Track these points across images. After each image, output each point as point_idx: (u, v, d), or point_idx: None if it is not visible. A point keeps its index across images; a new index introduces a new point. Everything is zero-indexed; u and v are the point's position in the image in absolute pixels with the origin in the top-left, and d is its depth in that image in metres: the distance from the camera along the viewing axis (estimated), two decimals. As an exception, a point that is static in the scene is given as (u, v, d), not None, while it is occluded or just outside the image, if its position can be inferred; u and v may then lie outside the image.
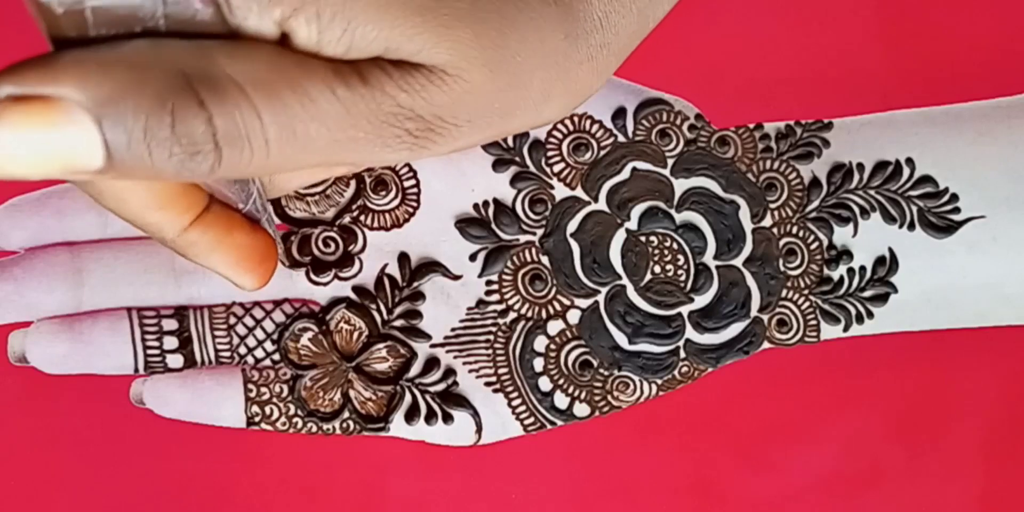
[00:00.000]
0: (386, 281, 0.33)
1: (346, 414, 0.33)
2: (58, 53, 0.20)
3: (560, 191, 0.34)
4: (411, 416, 0.33)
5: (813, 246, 0.34)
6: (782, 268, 0.34)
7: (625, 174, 0.34)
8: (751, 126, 0.34)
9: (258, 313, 0.33)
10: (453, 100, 0.23)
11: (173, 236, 0.26)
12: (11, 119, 0.19)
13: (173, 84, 0.20)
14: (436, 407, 0.33)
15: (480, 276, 0.33)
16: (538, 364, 0.33)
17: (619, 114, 0.33)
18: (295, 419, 0.33)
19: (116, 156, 0.20)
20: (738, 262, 0.34)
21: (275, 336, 0.33)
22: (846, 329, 0.34)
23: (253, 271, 0.28)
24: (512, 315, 0.33)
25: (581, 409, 0.34)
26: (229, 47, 0.21)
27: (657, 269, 0.34)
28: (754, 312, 0.34)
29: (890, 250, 0.34)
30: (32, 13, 0.20)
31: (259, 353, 0.33)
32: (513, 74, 0.24)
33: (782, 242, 0.34)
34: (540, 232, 0.34)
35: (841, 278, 0.34)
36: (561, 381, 0.33)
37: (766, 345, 0.34)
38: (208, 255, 0.27)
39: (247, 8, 0.21)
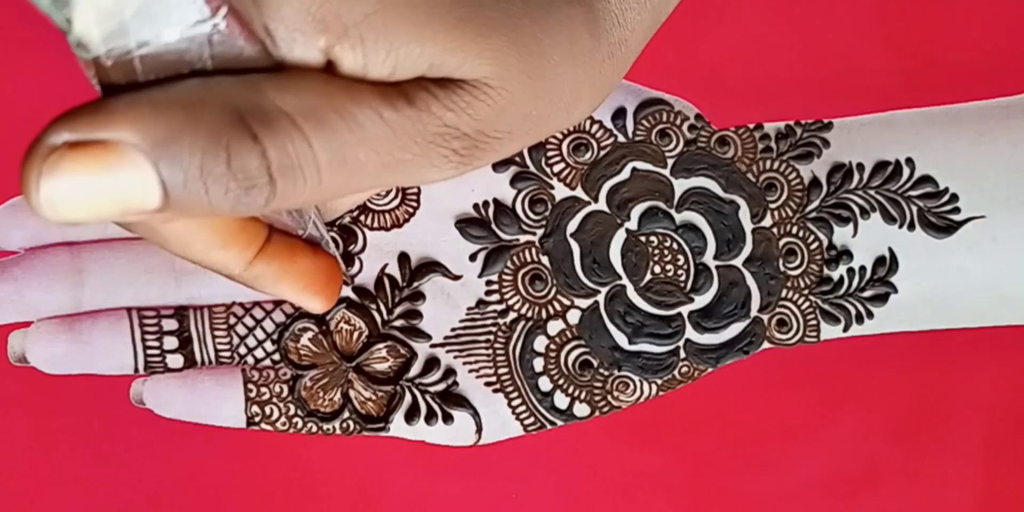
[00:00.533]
0: (386, 281, 0.33)
1: (346, 414, 0.33)
2: (110, 98, 0.20)
3: (560, 191, 0.34)
4: (411, 416, 0.33)
5: (813, 246, 0.34)
6: (782, 268, 0.34)
7: (625, 174, 0.34)
8: (751, 126, 0.34)
9: (258, 313, 0.33)
10: (496, 113, 0.23)
11: (240, 271, 0.26)
12: (69, 165, 0.19)
13: (226, 120, 0.20)
14: (436, 407, 0.33)
15: (480, 276, 0.33)
16: (538, 364, 0.33)
17: (619, 114, 0.34)
18: (295, 419, 0.33)
19: (173, 195, 0.20)
20: (738, 262, 0.34)
21: (275, 336, 0.33)
22: (846, 329, 0.34)
23: (320, 294, 0.28)
24: (512, 315, 0.33)
25: (581, 409, 0.34)
26: (277, 79, 0.21)
27: (657, 269, 0.34)
28: (754, 312, 0.34)
29: (890, 250, 0.34)
30: (81, 64, 0.20)
31: (259, 353, 0.33)
32: (548, 79, 0.24)
33: (782, 242, 0.34)
34: (540, 232, 0.34)
35: (841, 278, 0.34)
36: (561, 381, 0.33)
37: (766, 345, 0.34)
38: (275, 284, 0.27)
39: (291, 40, 0.21)
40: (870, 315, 0.34)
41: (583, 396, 0.34)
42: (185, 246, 0.25)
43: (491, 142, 0.24)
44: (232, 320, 0.33)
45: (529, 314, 0.34)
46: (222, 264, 0.26)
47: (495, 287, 0.33)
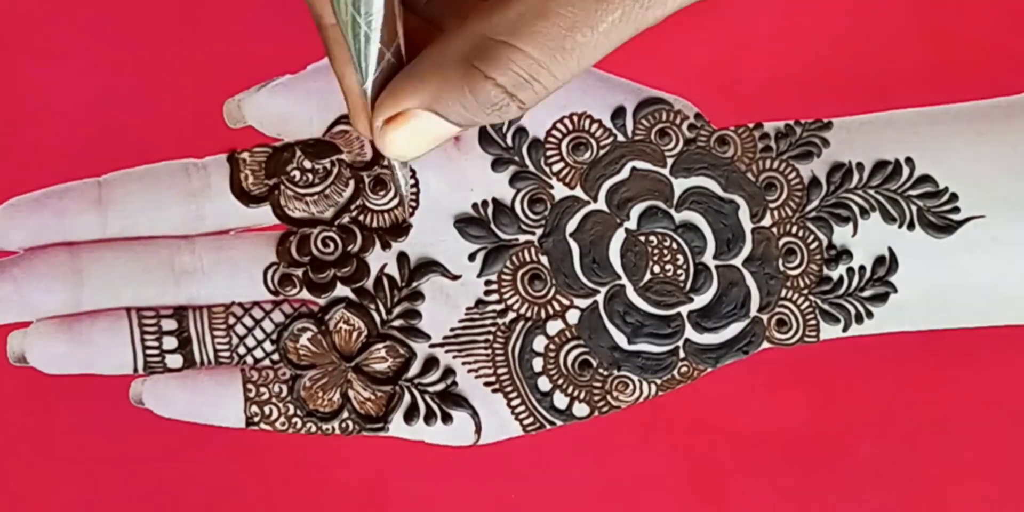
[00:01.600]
0: (385, 281, 0.33)
1: (345, 414, 0.33)
2: (393, 81, 0.27)
3: (559, 191, 0.34)
4: (410, 416, 0.33)
5: (812, 246, 0.34)
6: (781, 268, 0.34)
7: (624, 174, 0.34)
8: (751, 125, 0.34)
9: (257, 313, 0.33)
10: None
11: None
12: (392, 131, 0.27)
13: (460, 73, 0.26)
14: (435, 407, 0.33)
15: (479, 276, 0.33)
16: (537, 364, 0.33)
17: (618, 113, 0.33)
18: (294, 419, 0.33)
19: (457, 123, 0.27)
20: (737, 262, 0.34)
21: (274, 336, 0.33)
22: (846, 329, 0.34)
23: None
24: (511, 315, 0.33)
25: (580, 409, 0.34)
26: (485, 11, 0.26)
27: (656, 269, 0.34)
28: (753, 312, 0.34)
29: (889, 250, 0.34)
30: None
31: (258, 353, 0.33)
32: None
33: (782, 242, 0.34)
34: (539, 232, 0.34)
35: (840, 278, 0.34)
36: (560, 381, 0.33)
37: (765, 345, 0.34)
38: None
39: None
40: (870, 315, 0.34)
41: (582, 396, 0.34)
42: None
43: None
44: (231, 320, 0.33)
45: (528, 314, 0.33)
46: None
47: (494, 287, 0.33)
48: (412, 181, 0.33)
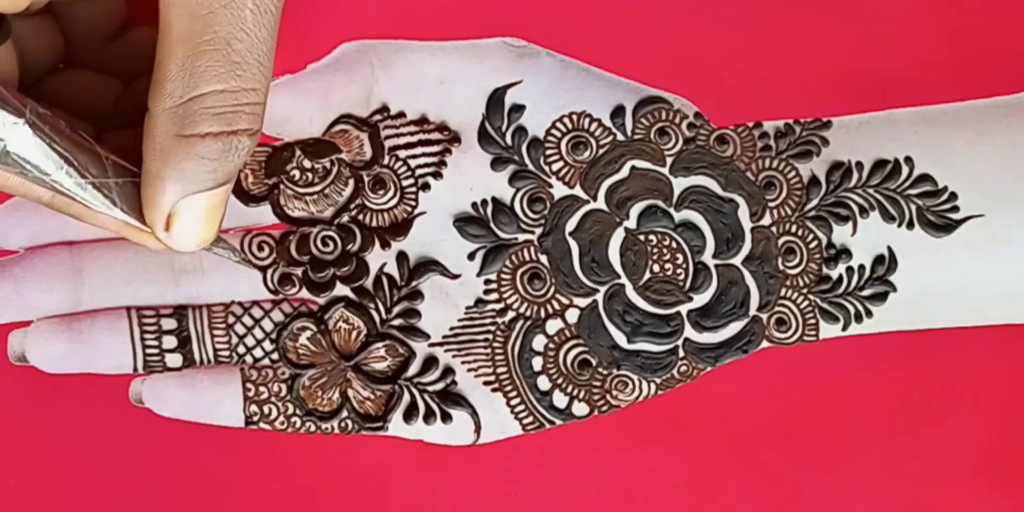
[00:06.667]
0: (384, 280, 0.33)
1: (344, 413, 0.33)
2: (144, 194, 0.27)
3: (559, 190, 0.34)
4: (409, 415, 0.33)
5: (812, 245, 0.34)
6: (781, 267, 0.34)
7: (624, 173, 0.34)
8: (750, 124, 0.34)
9: (257, 312, 0.33)
10: None
11: None
12: (180, 232, 0.27)
13: (183, 148, 0.26)
14: (435, 406, 0.33)
15: (479, 275, 0.33)
16: (537, 363, 0.33)
17: (618, 112, 0.34)
18: (293, 418, 0.33)
19: (220, 185, 0.27)
20: (737, 261, 0.34)
21: (274, 335, 0.33)
22: (845, 328, 0.34)
23: None
24: (511, 314, 0.33)
25: (580, 408, 0.34)
26: (152, 85, 0.25)
27: (656, 268, 0.34)
28: (753, 311, 0.34)
29: (889, 249, 0.34)
30: None
31: (258, 352, 0.33)
32: None
33: (781, 241, 0.34)
34: (539, 231, 0.34)
35: (840, 277, 0.34)
36: (560, 380, 0.33)
37: (765, 344, 0.34)
38: None
39: None
40: (869, 314, 0.34)
41: (582, 395, 0.34)
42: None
43: None
44: (231, 319, 0.33)
45: (528, 313, 0.34)
46: None
47: (494, 286, 0.33)
48: (231, 247, 0.31)
